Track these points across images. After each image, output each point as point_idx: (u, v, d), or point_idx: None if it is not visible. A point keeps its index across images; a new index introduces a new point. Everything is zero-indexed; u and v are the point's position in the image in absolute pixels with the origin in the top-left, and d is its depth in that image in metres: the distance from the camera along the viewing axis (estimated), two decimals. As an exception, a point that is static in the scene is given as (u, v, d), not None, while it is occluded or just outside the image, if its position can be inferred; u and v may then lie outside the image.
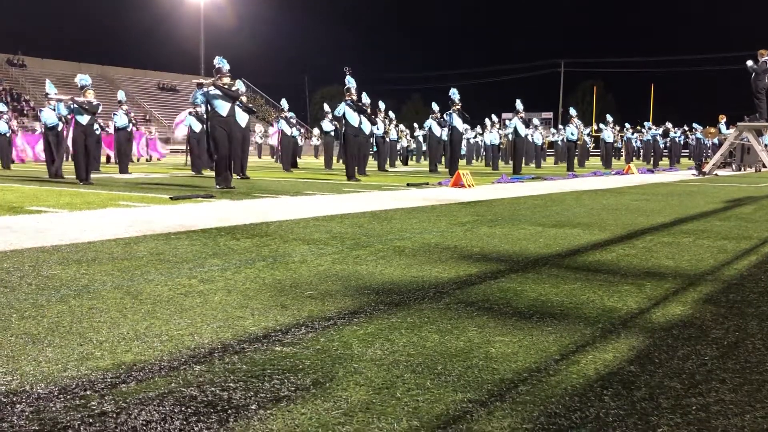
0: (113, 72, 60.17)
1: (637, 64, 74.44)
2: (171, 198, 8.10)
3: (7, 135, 18.80)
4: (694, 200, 8.53)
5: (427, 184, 11.92)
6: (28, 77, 52.71)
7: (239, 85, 15.30)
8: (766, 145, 18.46)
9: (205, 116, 10.42)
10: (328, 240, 4.60)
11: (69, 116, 12.70)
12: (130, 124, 16.96)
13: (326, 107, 22.58)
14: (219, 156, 9.96)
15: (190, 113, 16.93)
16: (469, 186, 10.79)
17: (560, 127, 29.39)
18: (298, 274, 3.35)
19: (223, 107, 9.88)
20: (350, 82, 13.40)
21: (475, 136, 32.88)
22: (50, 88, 13.93)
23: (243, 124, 14.88)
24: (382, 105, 22.04)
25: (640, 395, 1.74)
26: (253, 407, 1.65)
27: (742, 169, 20.70)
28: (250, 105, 15.73)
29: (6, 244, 4.23)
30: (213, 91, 9.89)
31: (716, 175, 17.18)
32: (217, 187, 9.91)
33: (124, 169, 15.73)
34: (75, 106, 11.74)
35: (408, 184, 11.77)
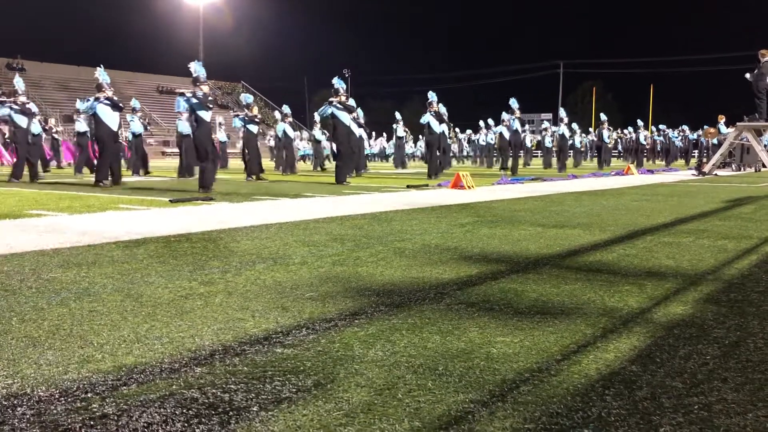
0: (112, 75, 59.43)
1: (636, 64, 74.59)
2: (170, 201, 8.10)
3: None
4: (694, 200, 8.53)
5: (427, 185, 11.92)
6: (27, 81, 52.62)
7: (351, 102, 16.93)
8: (765, 145, 18.46)
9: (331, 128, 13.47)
10: (328, 242, 4.60)
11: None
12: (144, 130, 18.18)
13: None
14: (344, 157, 13.18)
15: (282, 121, 19.97)
16: (469, 187, 10.79)
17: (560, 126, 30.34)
18: (299, 276, 3.35)
19: (346, 119, 12.97)
20: (432, 96, 15.59)
21: (469, 136, 33.30)
22: (135, 103, 17.26)
23: (357, 134, 18.01)
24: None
25: (642, 395, 1.74)
26: (254, 409, 1.65)
27: (742, 169, 20.70)
28: (359, 120, 18.75)
29: (6, 248, 4.23)
30: (338, 105, 12.79)
31: (716, 175, 17.18)
32: (347, 182, 12.74)
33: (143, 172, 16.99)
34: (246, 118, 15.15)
35: (408, 186, 11.77)
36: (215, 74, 68.24)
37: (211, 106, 10.45)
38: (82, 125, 18.80)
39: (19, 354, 2.08)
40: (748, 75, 15.92)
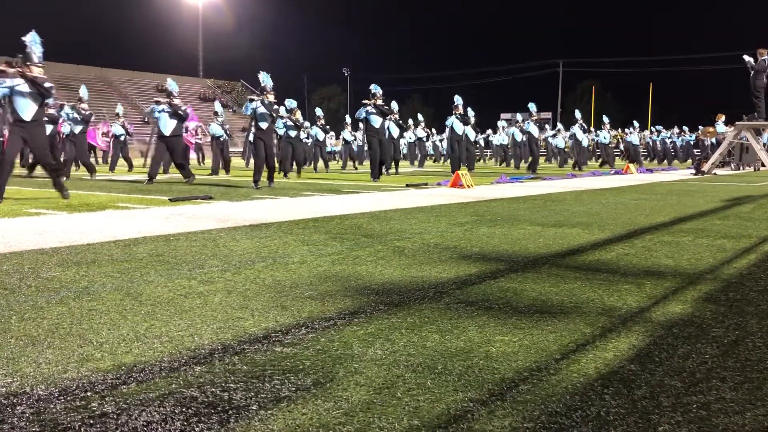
0: (112, 74, 60.21)
1: (636, 63, 74.57)
2: (170, 200, 8.10)
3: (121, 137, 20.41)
4: (693, 199, 8.53)
5: (426, 184, 11.92)
6: (26, 79, 52.67)
7: (394, 106, 17.59)
8: (764, 144, 18.47)
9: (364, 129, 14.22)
10: (328, 240, 4.60)
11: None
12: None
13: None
14: (372, 157, 13.86)
15: (314, 124, 21.32)
16: (468, 186, 10.79)
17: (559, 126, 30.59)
18: (298, 275, 3.35)
19: (377, 121, 13.72)
20: (458, 100, 16.42)
21: (488, 137, 33.45)
22: (218, 107, 18.73)
23: (396, 135, 18.96)
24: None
25: (641, 394, 1.74)
26: (253, 408, 1.65)
27: (741, 168, 20.72)
28: (401, 121, 19.80)
29: (5, 246, 4.23)
30: (371, 108, 13.57)
31: (715, 174, 17.19)
32: (375, 180, 13.23)
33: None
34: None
35: (407, 185, 11.78)
36: (214, 73, 68.27)
37: (274, 114, 11.25)
38: (118, 128, 19.96)
39: (18, 353, 2.08)
40: (747, 57, 15.91)
